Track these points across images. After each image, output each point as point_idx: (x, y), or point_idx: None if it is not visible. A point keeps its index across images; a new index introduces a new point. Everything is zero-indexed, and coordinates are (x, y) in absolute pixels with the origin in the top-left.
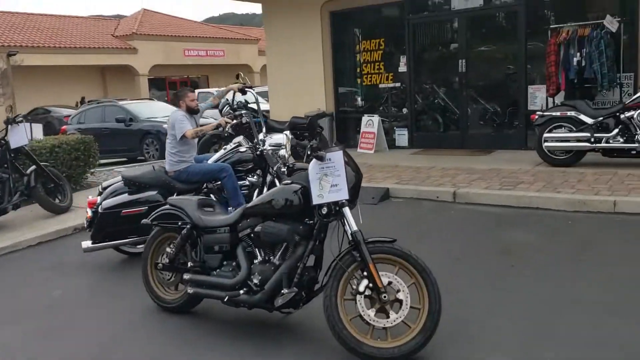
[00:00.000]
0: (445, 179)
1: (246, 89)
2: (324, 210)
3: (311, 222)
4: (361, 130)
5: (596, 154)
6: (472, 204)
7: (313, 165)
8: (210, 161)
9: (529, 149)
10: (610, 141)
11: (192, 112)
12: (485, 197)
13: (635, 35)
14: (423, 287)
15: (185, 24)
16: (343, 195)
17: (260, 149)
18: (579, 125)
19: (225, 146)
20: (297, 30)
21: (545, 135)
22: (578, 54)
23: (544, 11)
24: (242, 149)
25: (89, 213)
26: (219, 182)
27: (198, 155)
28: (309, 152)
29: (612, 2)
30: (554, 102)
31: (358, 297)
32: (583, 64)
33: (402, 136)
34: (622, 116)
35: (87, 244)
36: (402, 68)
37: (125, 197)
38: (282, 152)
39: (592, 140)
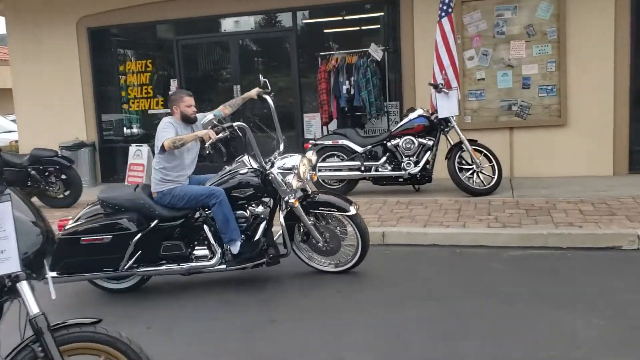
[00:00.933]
0: None
1: (264, 96)
2: None
3: None
4: (129, 162)
5: (368, 182)
6: None
7: None
8: (207, 184)
9: None
10: (379, 169)
11: (188, 120)
12: None
13: (399, 64)
14: None
15: None
16: (12, 266)
17: (267, 172)
18: (350, 153)
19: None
20: (50, 48)
21: (319, 164)
22: (347, 82)
23: (315, 38)
24: (243, 170)
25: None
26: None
27: (197, 176)
28: None
29: (377, 31)
30: (327, 131)
31: None
32: (352, 92)
33: None
34: (388, 144)
35: (52, 273)
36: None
37: (92, 221)
38: (290, 177)
39: (363, 168)
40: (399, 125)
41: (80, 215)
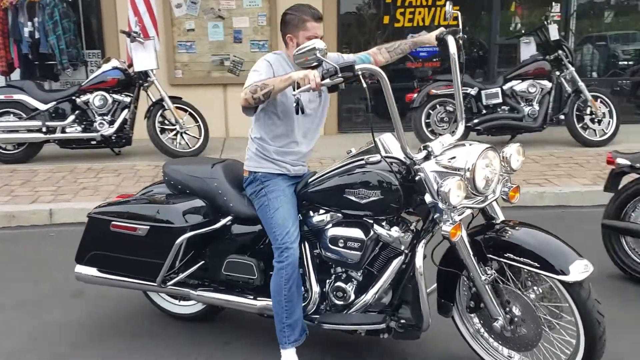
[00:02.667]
0: None
1: (446, 37)
2: None
3: None
4: None
5: (55, 145)
6: None
7: None
8: (312, 178)
9: None
10: (66, 130)
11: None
12: None
13: (98, 7)
14: None
15: None
16: None
17: (415, 166)
18: (30, 111)
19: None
20: None
21: None
22: (30, 23)
23: None
24: (375, 158)
25: None
26: None
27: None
28: None
29: None
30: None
31: None
32: (37, 36)
33: None
34: (78, 100)
35: (82, 268)
36: None
37: (137, 201)
38: (449, 183)
39: (45, 129)
40: (89, 78)
41: (140, 192)
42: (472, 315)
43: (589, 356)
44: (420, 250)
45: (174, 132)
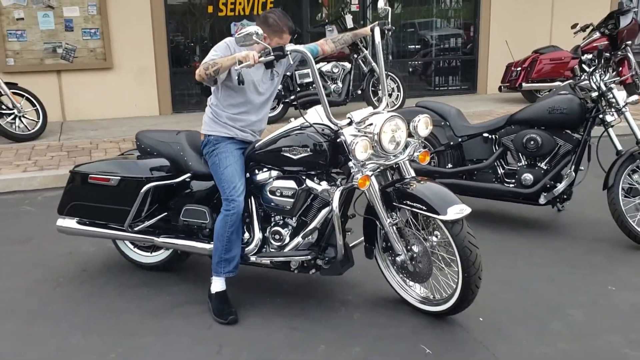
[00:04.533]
0: None
1: (375, 28)
2: None
3: None
4: None
5: None
6: None
7: None
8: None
9: None
10: None
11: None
12: None
13: None
14: None
15: None
16: None
17: (339, 132)
18: None
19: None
20: None
21: None
22: None
23: None
24: (307, 124)
25: None
26: None
27: None
28: None
29: None
30: None
31: None
32: None
33: None
34: None
35: (62, 221)
36: None
37: (113, 159)
38: (357, 142)
39: None
40: None
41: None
42: (386, 254)
43: (464, 290)
44: (337, 194)
45: (12, 116)
